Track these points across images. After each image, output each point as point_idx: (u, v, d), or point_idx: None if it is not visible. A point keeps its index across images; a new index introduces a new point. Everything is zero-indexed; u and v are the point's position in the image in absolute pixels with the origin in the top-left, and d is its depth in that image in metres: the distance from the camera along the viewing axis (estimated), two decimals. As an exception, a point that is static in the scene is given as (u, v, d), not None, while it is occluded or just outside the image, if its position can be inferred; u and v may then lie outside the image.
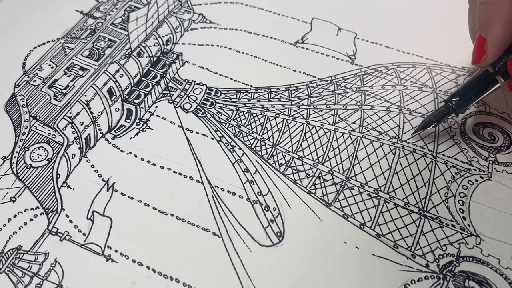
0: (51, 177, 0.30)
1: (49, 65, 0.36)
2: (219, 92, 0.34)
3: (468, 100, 0.28)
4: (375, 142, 0.30)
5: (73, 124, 0.32)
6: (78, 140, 0.31)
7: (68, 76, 0.35)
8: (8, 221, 0.28)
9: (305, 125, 0.31)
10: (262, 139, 0.31)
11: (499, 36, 0.25)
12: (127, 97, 0.34)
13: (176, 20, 0.39)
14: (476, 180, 0.28)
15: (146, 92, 0.34)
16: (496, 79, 0.27)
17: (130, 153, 0.31)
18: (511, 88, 0.28)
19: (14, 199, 0.29)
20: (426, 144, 0.30)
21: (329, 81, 0.34)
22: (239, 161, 0.30)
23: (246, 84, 0.34)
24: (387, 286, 0.25)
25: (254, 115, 0.32)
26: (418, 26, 0.37)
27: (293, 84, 0.34)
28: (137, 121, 0.32)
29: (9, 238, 0.28)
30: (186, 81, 0.34)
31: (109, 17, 0.39)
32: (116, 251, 0.27)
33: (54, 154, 0.31)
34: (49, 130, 0.32)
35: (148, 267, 0.26)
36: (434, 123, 0.29)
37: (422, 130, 0.30)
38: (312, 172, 0.29)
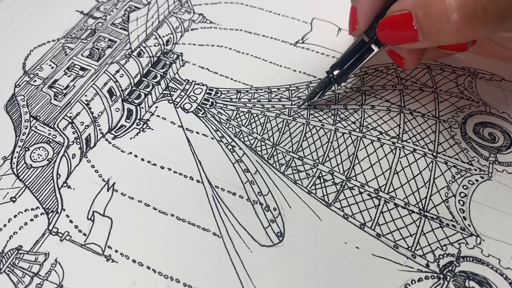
0: (51, 177, 0.30)
1: (50, 65, 0.36)
2: (219, 92, 0.34)
3: (347, 69, 0.29)
4: (375, 142, 0.30)
5: (73, 124, 0.32)
6: (78, 140, 0.31)
7: (69, 76, 0.35)
8: (9, 221, 0.28)
9: (305, 125, 0.31)
10: (262, 139, 0.31)
11: (366, 4, 0.27)
12: (127, 97, 0.34)
13: (176, 20, 0.39)
14: (477, 180, 0.28)
15: (147, 92, 0.34)
16: (372, 47, 0.28)
17: (131, 153, 0.31)
18: (390, 56, 0.29)
19: (14, 199, 0.29)
20: (427, 144, 0.30)
21: (329, 81, 0.34)
22: (239, 161, 0.30)
23: (246, 84, 0.34)
24: (387, 286, 0.25)
25: (255, 115, 0.32)
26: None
27: (293, 84, 0.34)
28: (137, 121, 0.32)
29: (10, 238, 0.28)
30: (186, 81, 0.34)
31: (109, 17, 0.39)
32: (116, 251, 0.27)
33: (55, 154, 0.31)
34: (50, 130, 0.32)
35: (148, 267, 0.26)
36: (318, 93, 0.31)
37: (309, 101, 0.31)
38: (313, 172, 0.29)
